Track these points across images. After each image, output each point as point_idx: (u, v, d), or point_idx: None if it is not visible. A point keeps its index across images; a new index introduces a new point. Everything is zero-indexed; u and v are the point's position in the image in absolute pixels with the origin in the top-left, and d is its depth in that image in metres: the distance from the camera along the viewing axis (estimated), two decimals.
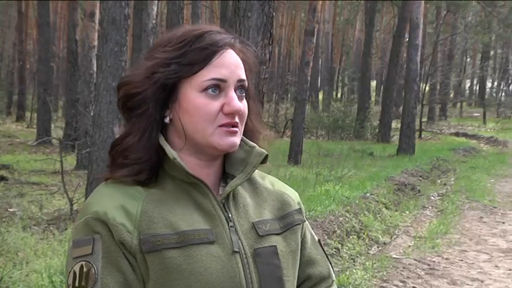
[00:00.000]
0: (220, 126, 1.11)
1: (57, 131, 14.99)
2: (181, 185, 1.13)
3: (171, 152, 1.10)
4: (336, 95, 43.08)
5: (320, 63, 32.40)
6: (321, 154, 14.50)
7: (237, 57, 1.15)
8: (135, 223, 1.06)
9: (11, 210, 6.74)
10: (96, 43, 11.43)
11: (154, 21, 10.42)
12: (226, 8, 16.70)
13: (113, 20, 6.62)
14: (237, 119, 1.12)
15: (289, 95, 36.48)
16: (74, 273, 1.04)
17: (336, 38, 43.30)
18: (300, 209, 1.27)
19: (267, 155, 1.19)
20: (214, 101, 1.11)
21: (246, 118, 1.16)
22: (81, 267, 1.04)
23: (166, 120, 1.13)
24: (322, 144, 17.10)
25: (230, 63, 1.13)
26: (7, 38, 33.73)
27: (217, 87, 1.11)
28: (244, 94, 1.15)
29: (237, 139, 1.13)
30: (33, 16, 27.50)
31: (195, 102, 1.10)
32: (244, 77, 1.15)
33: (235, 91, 1.13)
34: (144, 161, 1.10)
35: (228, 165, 1.19)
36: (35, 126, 17.75)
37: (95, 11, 11.84)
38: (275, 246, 1.16)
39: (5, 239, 5.30)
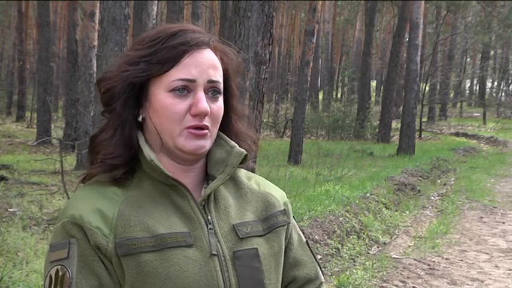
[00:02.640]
0: (187, 128, 1.08)
1: (57, 131, 14.98)
2: (160, 186, 1.11)
3: (148, 153, 1.09)
4: (336, 95, 43.07)
5: (320, 63, 32.41)
6: (321, 154, 14.49)
7: (212, 57, 1.11)
8: (111, 226, 1.05)
9: (11, 210, 6.73)
10: (96, 43, 11.42)
11: (154, 21, 10.42)
12: (226, 8, 16.70)
13: (113, 20, 6.63)
14: (206, 122, 1.09)
15: (289, 95, 36.49)
16: (50, 277, 1.04)
17: (336, 38, 43.33)
18: (285, 209, 1.25)
19: (246, 154, 1.16)
20: (182, 102, 1.08)
21: (219, 120, 1.13)
22: (57, 271, 1.03)
23: (139, 118, 1.12)
24: (322, 144, 17.10)
25: (201, 63, 1.09)
26: (7, 38, 33.75)
27: (185, 87, 1.08)
28: (217, 96, 1.11)
29: (205, 142, 1.10)
30: (33, 16, 27.50)
31: (163, 102, 1.08)
32: (217, 78, 1.11)
33: (205, 92, 1.09)
34: (115, 157, 1.09)
35: (209, 167, 1.17)
36: (35, 126, 17.76)
37: (95, 11, 11.84)
38: (256, 248, 1.13)
39: (5, 239, 5.30)
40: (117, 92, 1.09)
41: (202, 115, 1.08)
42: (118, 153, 1.09)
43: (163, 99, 1.08)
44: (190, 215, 1.10)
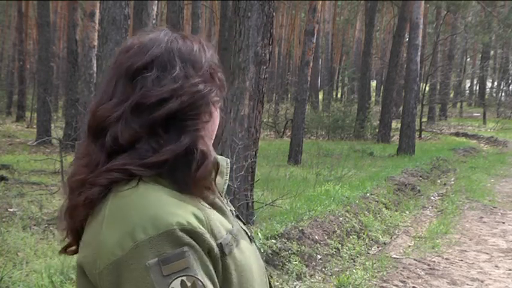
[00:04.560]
0: None
1: (57, 131, 14.97)
2: None
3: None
4: (336, 95, 43.08)
5: (320, 63, 32.41)
6: (321, 154, 14.50)
7: None
8: (208, 229, 1.03)
9: (11, 210, 6.73)
10: (96, 43, 11.43)
11: (154, 21, 10.41)
12: (226, 8, 16.70)
13: (113, 20, 6.63)
14: None
15: (289, 95, 36.50)
16: None
17: (336, 38, 43.32)
18: None
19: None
20: None
21: None
22: (183, 282, 0.96)
23: None
24: (322, 144, 17.10)
25: None
26: (7, 38, 33.76)
27: None
28: None
29: None
30: (33, 16, 27.50)
31: (217, 114, 1.18)
32: None
33: None
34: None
35: None
36: (35, 126, 17.75)
37: (95, 11, 11.85)
38: (250, 231, 1.24)
39: (5, 239, 5.30)
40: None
41: None
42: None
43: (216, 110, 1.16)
44: (223, 208, 1.14)
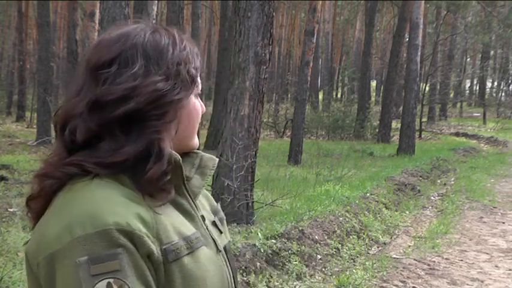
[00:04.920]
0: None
1: None
2: None
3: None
4: (336, 95, 43.09)
5: (320, 63, 32.42)
6: (321, 154, 14.49)
7: None
8: (153, 232, 0.99)
9: (11, 210, 6.73)
10: None
11: (154, 21, 10.42)
12: (226, 8, 16.70)
13: (113, 20, 6.63)
14: None
15: (289, 95, 36.49)
16: None
17: (336, 38, 43.34)
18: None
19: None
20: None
21: None
22: (109, 284, 0.92)
23: None
24: (322, 144, 17.10)
25: None
26: (7, 38, 33.76)
27: None
28: None
29: None
30: (33, 16, 27.49)
31: (197, 105, 1.14)
32: None
33: None
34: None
35: None
36: (35, 126, 17.74)
37: (95, 11, 11.85)
38: (229, 240, 1.21)
39: (5, 239, 5.30)
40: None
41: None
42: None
43: (196, 102, 1.12)
44: (191, 213, 1.10)
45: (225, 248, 1.16)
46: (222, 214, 1.25)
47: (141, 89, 1.02)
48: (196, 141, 1.15)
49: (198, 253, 1.05)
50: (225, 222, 1.25)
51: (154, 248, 0.97)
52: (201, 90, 1.15)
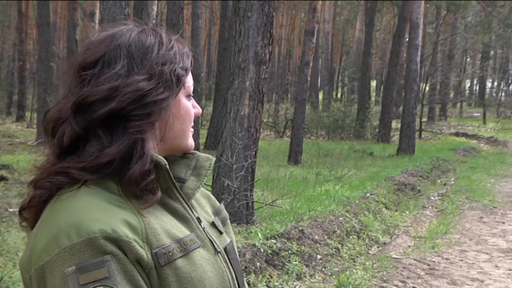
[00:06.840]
0: (190, 128, 1.15)
1: None
2: None
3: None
4: (336, 95, 43.09)
5: (320, 63, 32.43)
6: (321, 154, 14.49)
7: None
8: (143, 237, 0.98)
9: (11, 210, 6.73)
10: None
11: (154, 21, 10.41)
12: (226, 8, 16.70)
13: (113, 20, 6.62)
14: None
15: (289, 95, 36.50)
16: None
17: (336, 38, 43.32)
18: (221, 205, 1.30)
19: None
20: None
21: None
22: None
23: None
24: (322, 144, 17.11)
25: None
26: (7, 38, 33.74)
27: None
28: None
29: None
30: (33, 16, 27.52)
31: (186, 106, 1.13)
32: None
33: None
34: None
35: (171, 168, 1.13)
36: (35, 126, 17.77)
37: (95, 11, 11.85)
38: (232, 241, 1.19)
39: (5, 239, 5.30)
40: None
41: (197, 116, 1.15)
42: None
43: (186, 103, 1.11)
44: (185, 215, 1.09)
45: (226, 249, 1.14)
46: (224, 214, 1.24)
47: (123, 88, 1.00)
48: (191, 142, 1.13)
49: (193, 255, 1.04)
50: (228, 222, 1.25)
51: (144, 253, 0.97)
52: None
